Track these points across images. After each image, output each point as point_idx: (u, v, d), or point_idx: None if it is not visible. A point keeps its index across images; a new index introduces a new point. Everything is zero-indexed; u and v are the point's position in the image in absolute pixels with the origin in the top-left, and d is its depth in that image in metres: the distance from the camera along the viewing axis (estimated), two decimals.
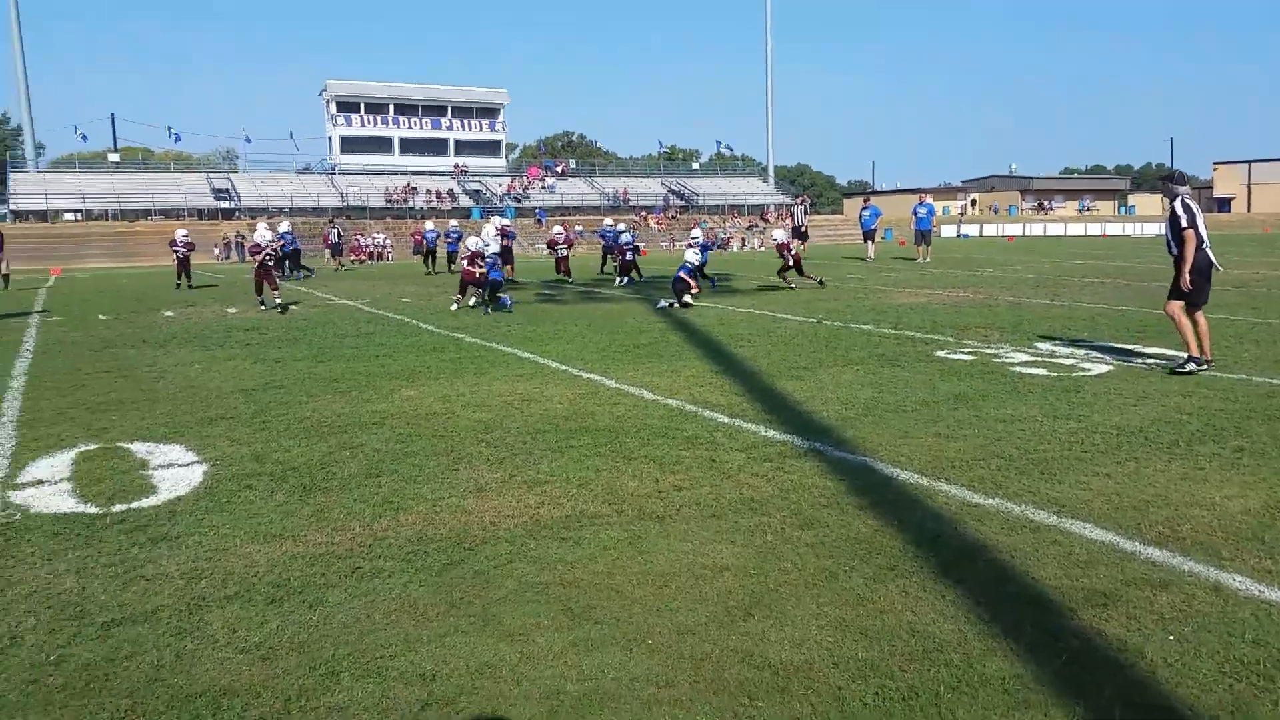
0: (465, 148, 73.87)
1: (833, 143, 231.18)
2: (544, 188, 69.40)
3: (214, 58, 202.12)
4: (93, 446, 7.06)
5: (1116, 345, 10.98)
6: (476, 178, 69.65)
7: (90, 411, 8.34)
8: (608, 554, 4.67)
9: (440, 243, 31.78)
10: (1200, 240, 9.08)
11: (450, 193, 65.20)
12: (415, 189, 63.83)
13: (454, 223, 33.30)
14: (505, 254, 23.15)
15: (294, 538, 4.98)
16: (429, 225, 33.28)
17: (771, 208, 67.04)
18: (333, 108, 70.96)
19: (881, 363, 10.11)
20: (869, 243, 32.93)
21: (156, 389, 9.45)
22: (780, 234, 22.02)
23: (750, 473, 6.01)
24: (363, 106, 71.55)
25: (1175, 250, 9.21)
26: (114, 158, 68.36)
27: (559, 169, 74.97)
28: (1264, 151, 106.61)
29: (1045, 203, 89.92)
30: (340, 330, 14.45)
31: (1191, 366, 8.91)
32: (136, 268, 41.48)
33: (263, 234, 18.98)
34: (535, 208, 61.86)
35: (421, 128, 73.12)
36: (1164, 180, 9.63)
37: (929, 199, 33.37)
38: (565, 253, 26.07)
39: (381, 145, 71.56)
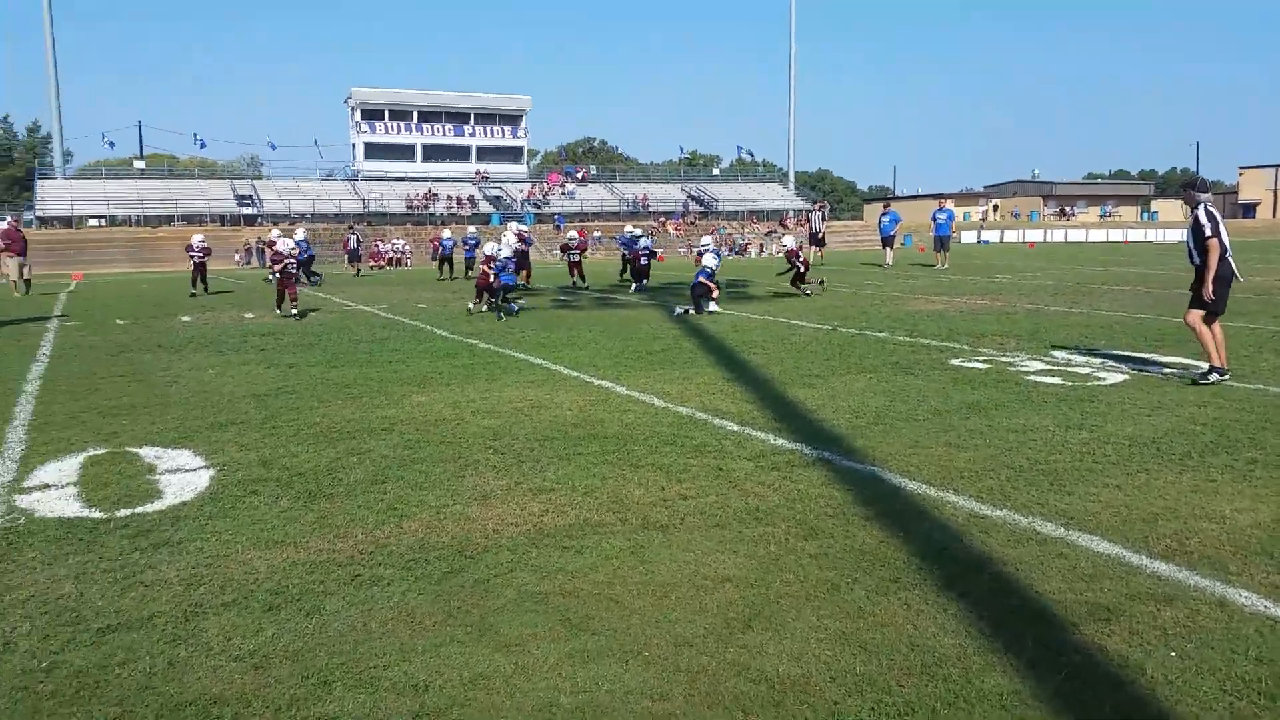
0: (487, 154, 74.13)
1: (854, 148, 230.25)
2: (564, 194, 69.58)
3: (242, 66, 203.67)
4: (101, 451, 7.09)
5: (1133, 354, 10.87)
6: (497, 184, 69.89)
7: (102, 416, 8.38)
8: (609, 563, 4.64)
9: (459, 249, 31.85)
10: (1223, 249, 8.97)
11: (471, 199, 65.46)
12: (436, 195, 64.10)
13: (471, 229, 33.43)
14: (522, 259, 23.18)
15: (296, 544, 4.97)
16: (446, 233, 33.35)
17: (791, 213, 66.92)
18: (357, 115, 71.38)
19: (895, 371, 10.04)
20: (887, 249, 32.78)
21: (169, 394, 9.49)
22: (790, 240, 21.95)
23: (757, 482, 5.97)
24: (387, 113, 71.93)
25: (1198, 259, 9.08)
26: (139, 164, 69.00)
27: (579, 175, 75.12)
28: None
29: (1067, 208, 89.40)
30: (355, 336, 14.49)
31: (1214, 377, 8.79)
32: (157, 273, 41.82)
33: (285, 243, 19.08)
34: (555, 213, 61.95)
35: (444, 134, 73.41)
36: (1185, 188, 9.52)
37: (949, 205, 33.20)
38: (578, 257, 25.64)
39: (404, 152, 71.91)
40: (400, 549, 4.88)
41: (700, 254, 20.93)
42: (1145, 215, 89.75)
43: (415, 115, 72.59)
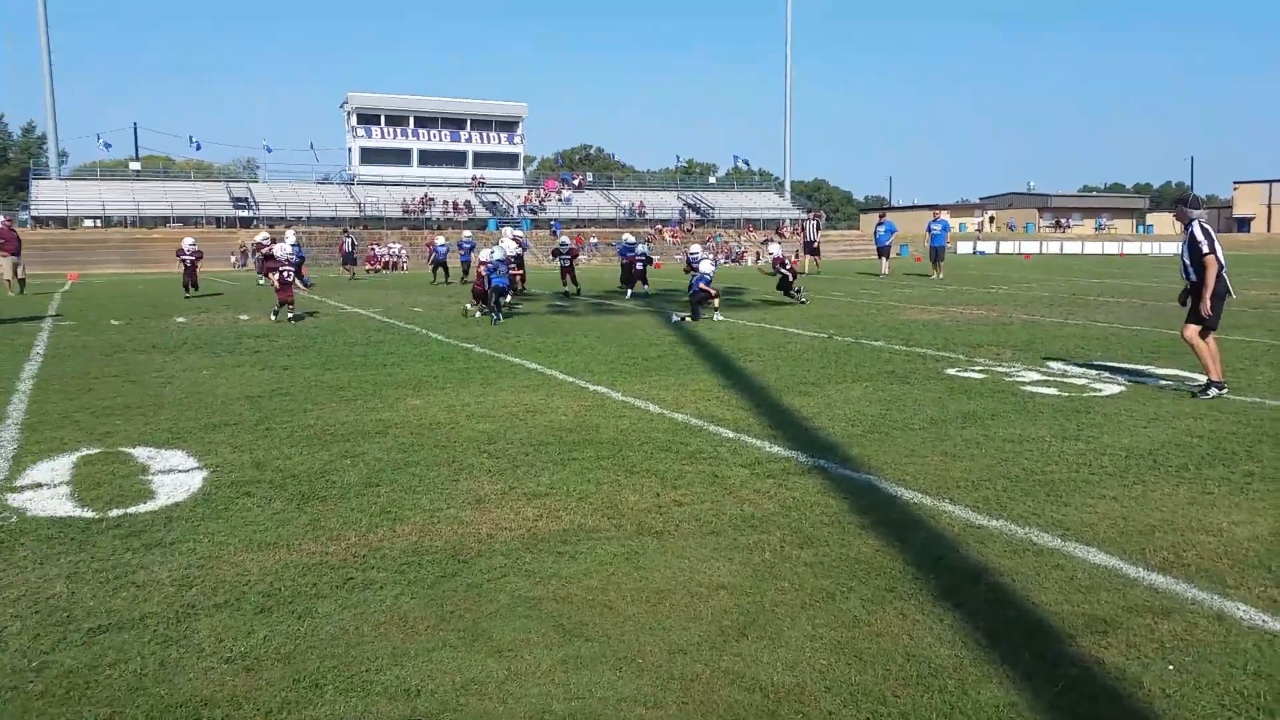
0: (483, 160, 74.07)
1: (851, 158, 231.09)
2: (560, 200, 69.54)
3: (238, 70, 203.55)
4: (94, 450, 7.05)
5: (1129, 366, 10.87)
6: (494, 189, 69.84)
7: (95, 416, 8.34)
8: (603, 569, 4.61)
9: (454, 254, 31.81)
10: (1220, 265, 8.96)
11: (467, 204, 65.39)
12: (432, 200, 64.04)
13: (467, 233, 33.35)
14: (518, 263, 23.12)
15: (288, 546, 4.94)
16: (440, 240, 33.33)
17: (787, 222, 66.96)
18: (353, 119, 71.32)
19: (891, 380, 10.03)
20: (883, 259, 32.83)
21: (163, 394, 9.45)
22: (775, 249, 21.94)
23: (752, 489, 5.95)
24: (383, 118, 71.86)
25: (1194, 276, 9.05)
26: (135, 166, 68.88)
27: (576, 182, 75.11)
28: None
29: (1063, 220, 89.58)
30: (350, 339, 14.45)
31: (1213, 392, 8.77)
32: (152, 274, 41.71)
33: (283, 247, 19.02)
34: (551, 220, 61.89)
35: (440, 140, 73.36)
36: (1178, 204, 9.49)
37: (944, 215, 33.26)
38: (569, 262, 25.27)
39: (400, 157, 71.84)
40: (393, 552, 4.85)
41: (691, 262, 20.89)
42: (1140, 228, 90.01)
43: (411, 120, 72.53)
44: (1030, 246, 68.46)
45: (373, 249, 46.86)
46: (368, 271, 42.38)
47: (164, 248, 48.05)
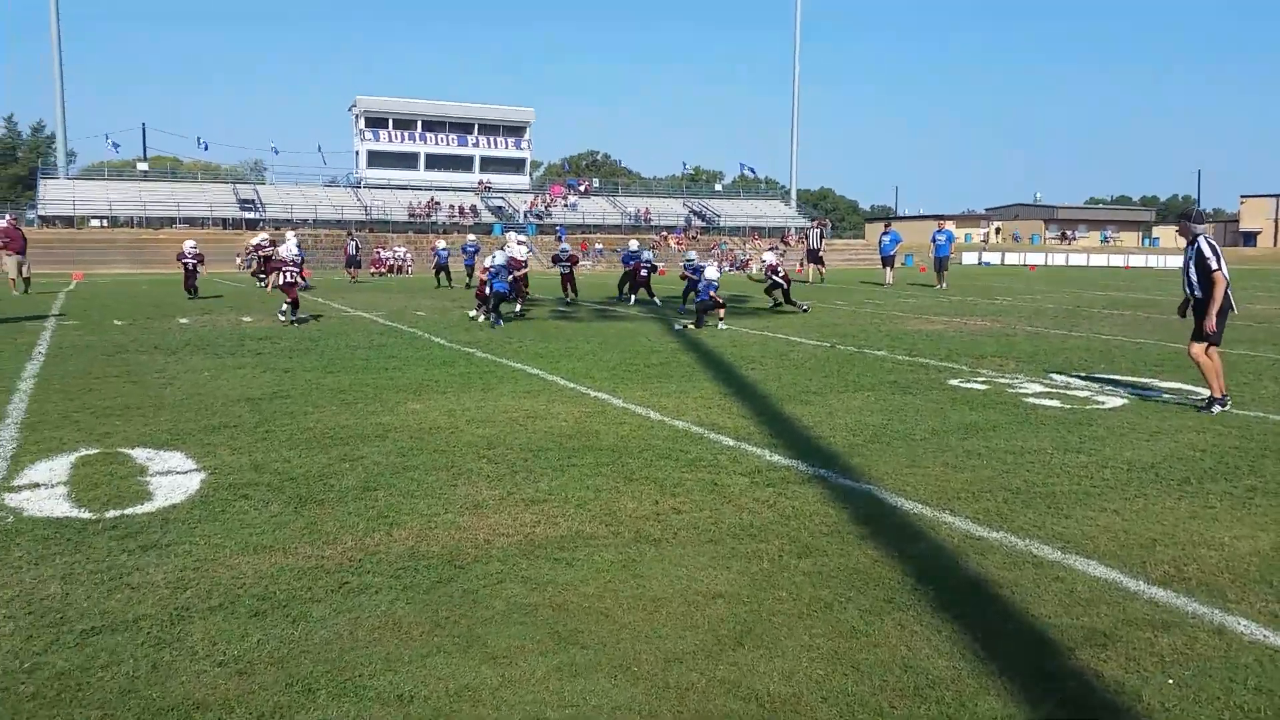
0: (490, 164, 74.24)
1: (857, 167, 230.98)
2: (566, 205, 69.60)
3: (247, 71, 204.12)
4: (93, 451, 7.04)
5: (1133, 379, 10.83)
6: (500, 194, 69.94)
7: (95, 416, 8.33)
8: (600, 576, 4.59)
9: (456, 258, 31.82)
10: (1226, 282, 8.90)
11: (473, 208, 65.47)
12: (439, 204, 64.11)
13: (471, 237, 33.38)
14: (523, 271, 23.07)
15: (284, 550, 4.92)
16: (441, 244, 33.36)
17: (793, 230, 66.95)
18: (361, 123, 71.52)
19: (893, 390, 10.00)
20: (888, 268, 32.82)
21: (164, 395, 9.44)
22: (770, 256, 21.91)
23: (752, 498, 5.92)
24: (391, 122, 72.06)
25: (1200, 292, 8.99)
26: (142, 166, 69.06)
27: (582, 187, 75.19)
28: None
29: (1069, 232, 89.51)
30: (352, 341, 14.45)
31: (1217, 409, 8.72)
32: (158, 274, 41.76)
33: (288, 248, 19.04)
34: (557, 225, 61.96)
35: (448, 144, 73.55)
36: (1182, 219, 9.42)
37: (949, 226, 33.24)
38: (568, 269, 24.57)
39: (408, 160, 72.02)
40: (390, 557, 4.83)
41: (692, 270, 20.86)
42: (1146, 241, 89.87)
43: (419, 124, 72.73)
44: (1036, 258, 68.43)
45: (378, 252, 46.90)
46: (372, 275, 42.40)
47: (170, 248, 48.06)
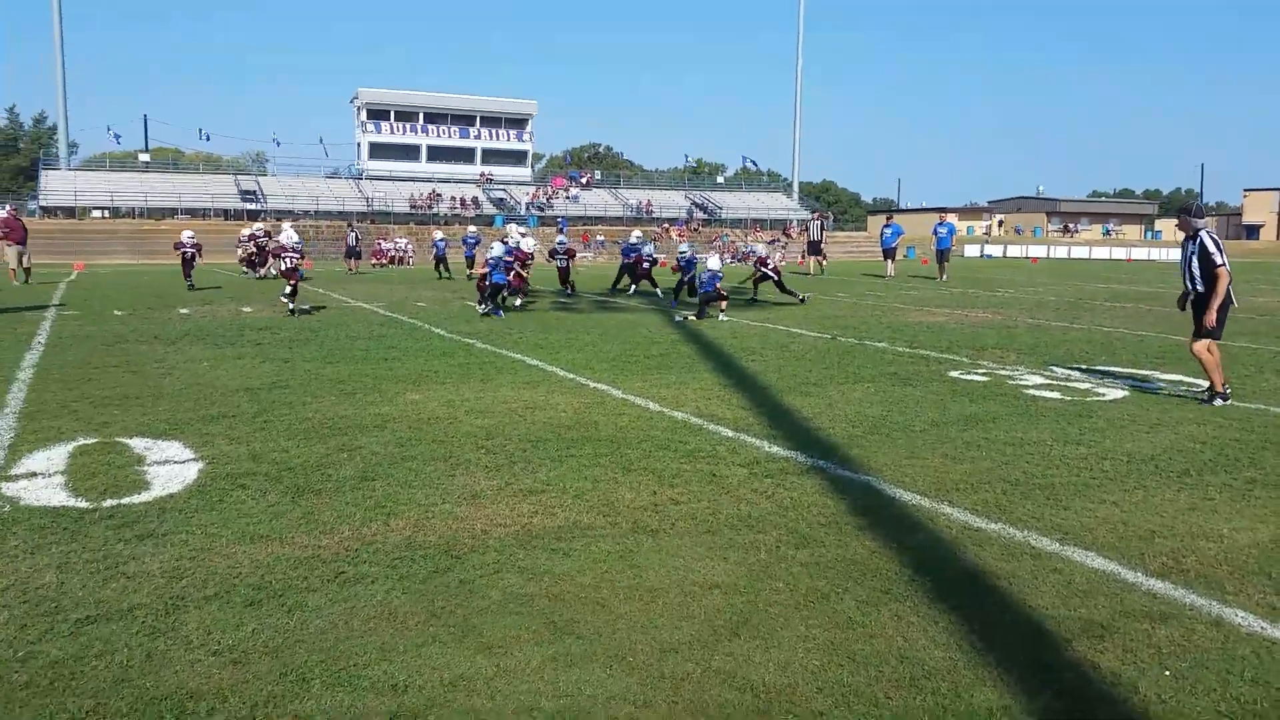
0: (492, 156, 74.14)
1: (859, 160, 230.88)
2: (568, 198, 69.54)
3: (249, 63, 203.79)
4: (91, 440, 7.03)
5: (1134, 371, 10.81)
6: (501, 186, 69.87)
7: (94, 405, 8.32)
8: (597, 567, 4.58)
9: (453, 249, 31.74)
10: (1229, 277, 8.86)
11: (475, 200, 65.42)
12: (440, 196, 64.08)
13: (472, 228, 33.34)
14: (523, 263, 23.00)
15: (281, 539, 4.91)
16: (438, 234, 33.31)
17: (794, 222, 66.89)
18: (363, 114, 71.38)
19: (893, 381, 9.98)
20: (889, 260, 32.80)
21: (162, 385, 9.43)
22: (761, 248, 21.86)
23: (750, 489, 5.91)
24: (393, 114, 71.92)
25: (1202, 287, 8.94)
26: (144, 157, 69.00)
27: (584, 179, 75.11)
28: None
29: (1071, 225, 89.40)
30: (352, 332, 14.43)
31: (1219, 402, 8.69)
32: (159, 265, 41.74)
33: (288, 235, 19.03)
34: (558, 217, 61.91)
35: (450, 136, 73.43)
36: (1182, 214, 9.31)
37: (951, 219, 33.22)
38: (565, 263, 23.91)
39: (409, 152, 71.91)
40: (386, 547, 4.82)
41: (680, 262, 20.84)
42: (1148, 234, 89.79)
43: (421, 116, 72.61)
44: (1038, 251, 68.33)
45: (379, 244, 46.86)
46: (373, 266, 42.37)
47: (171, 239, 48.18)
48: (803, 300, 20.29)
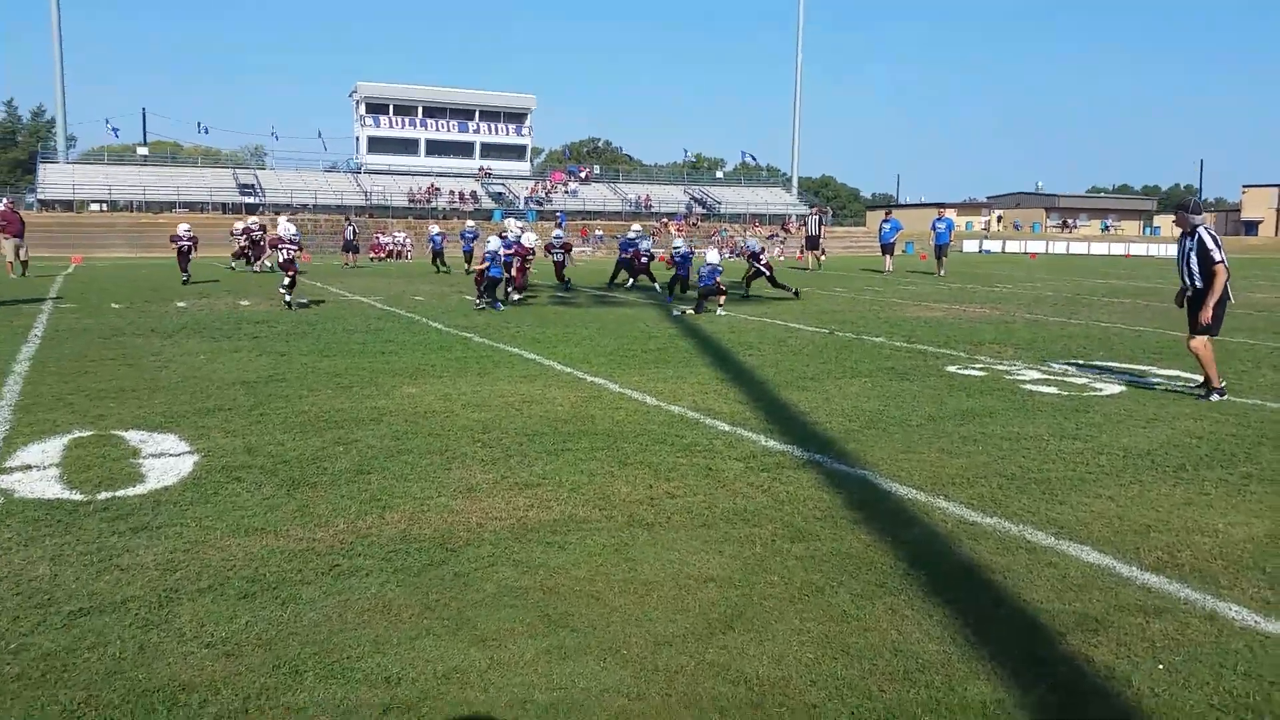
0: (491, 151, 74.09)
1: (859, 156, 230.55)
2: (567, 192, 69.46)
3: (247, 57, 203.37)
4: (86, 433, 7.02)
5: (1131, 366, 10.81)
6: (500, 180, 69.80)
7: (89, 398, 8.31)
8: (592, 560, 4.58)
9: (456, 243, 31.68)
10: (1228, 274, 8.83)
11: (473, 194, 65.35)
12: (439, 190, 64.00)
13: (470, 223, 33.27)
14: (523, 259, 22.94)
15: (276, 532, 4.90)
16: (434, 228, 33.25)
17: (793, 217, 66.80)
18: (362, 108, 71.31)
19: (890, 376, 9.98)
20: (888, 256, 32.77)
21: (159, 378, 9.42)
22: (753, 242, 21.86)
23: (746, 483, 5.90)
24: (391, 108, 71.87)
25: (1201, 283, 8.91)
26: (142, 151, 68.88)
27: (583, 174, 75.03)
28: None
29: (1069, 221, 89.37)
30: (349, 325, 14.42)
31: (1215, 398, 8.68)
32: (157, 258, 41.69)
33: (287, 228, 19.00)
34: (557, 211, 61.83)
35: (448, 130, 73.38)
36: (1179, 210, 9.26)
37: (949, 214, 33.19)
38: (561, 257, 23.60)
39: (408, 146, 71.85)
40: (381, 540, 4.81)
41: (674, 258, 20.83)
42: (1147, 230, 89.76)
43: (420, 110, 72.56)
44: (1036, 246, 68.26)
45: (377, 237, 46.81)
46: (371, 260, 42.32)
47: (169, 233, 48.10)
48: (796, 294, 20.31)
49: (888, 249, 32.73)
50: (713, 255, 18.15)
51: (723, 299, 17.44)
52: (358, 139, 72.17)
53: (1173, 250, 9.37)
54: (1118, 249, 69.29)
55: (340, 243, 39.21)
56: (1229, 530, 5.04)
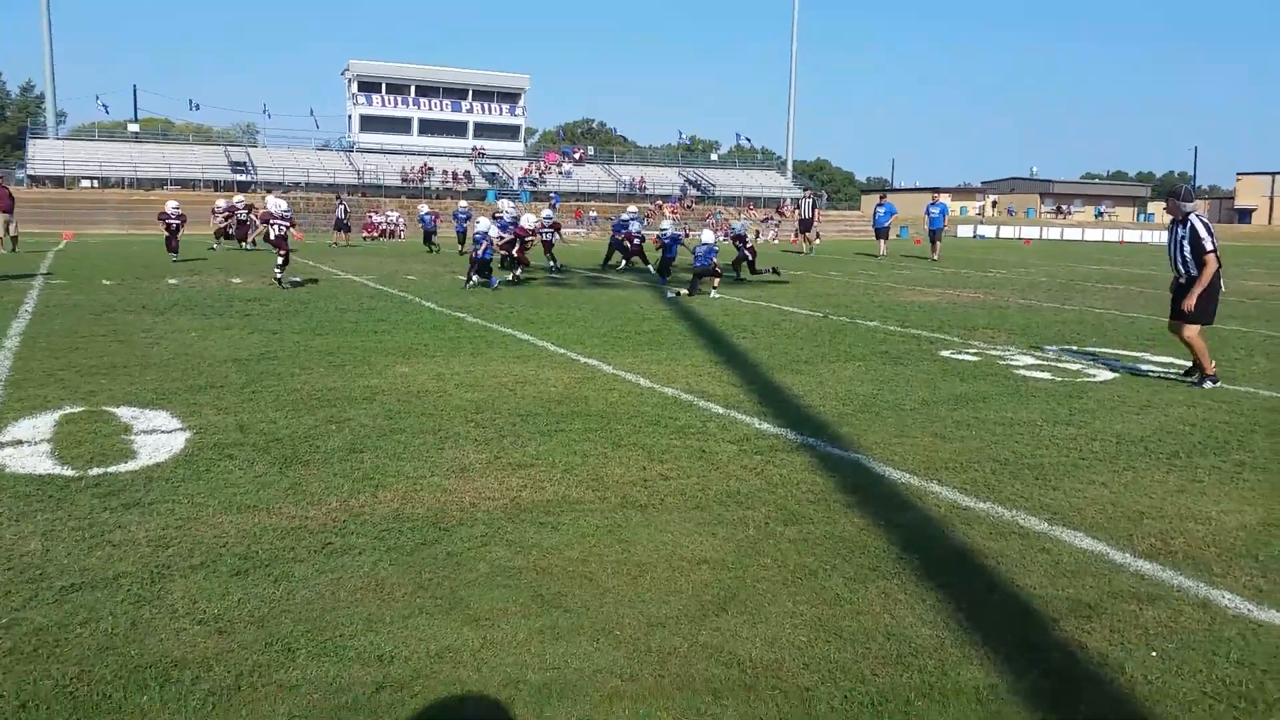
0: (484, 131, 73.81)
1: (854, 139, 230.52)
2: (560, 173, 69.25)
3: (240, 34, 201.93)
4: (78, 409, 6.99)
5: (1125, 352, 10.83)
6: (494, 161, 69.56)
7: (80, 374, 8.27)
8: (585, 541, 4.57)
9: (449, 224, 31.53)
10: (1219, 263, 8.77)
11: (467, 174, 65.11)
12: (432, 169, 63.75)
13: (463, 203, 33.15)
14: (520, 241, 22.84)
15: (268, 510, 4.89)
16: (423, 208, 33.11)
17: (788, 200, 66.74)
18: (354, 87, 70.99)
19: (884, 360, 9.98)
20: (881, 240, 32.78)
21: (150, 355, 9.38)
22: (737, 225, 21.88)
23: (739, 465, 5.90)
24: (384, 87, 71.54)
25: (1194, 271, 8.83)
26: (133, 128, 68.45)
27: (577, 155, 74.79)
28: None
29: (1064, 207, 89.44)
30: (342, 304, 14.37)
31: (1209, 385, 8.68)
32: (148, 235, 41.48)
33: (277, 204, 18.90)
34: (551, 192, 61.66)
35: (441, 110, 73.11)
36: (1170, 196, 9.11)
37: (943, 199, 33.23)
38: (550, 236, 23.26)
39: (401, 125, 71.57)
40: (374, 519, 4.80)
41: (662, 239, 20.79)
42: (1141, 216, 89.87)
43: (413, 90, 72.24)
44: (1030, 232, 68.30)
45: (370, 217, 46.63)
46: (364, 239, 42.16)
47: (159, 210, 47.81)
48: (775, 271, 20.52)
49: (882, 233, 32.74)
50: (708, 235, 18.09)
51: (717, 281, 17.39)
52: (350, 117, 71.88)
53: (1167, 236, 9.33)
54: (1111, 235, 69.41)
55: (332, 221, 39.05)
56: (1222, 518, 5.05)
